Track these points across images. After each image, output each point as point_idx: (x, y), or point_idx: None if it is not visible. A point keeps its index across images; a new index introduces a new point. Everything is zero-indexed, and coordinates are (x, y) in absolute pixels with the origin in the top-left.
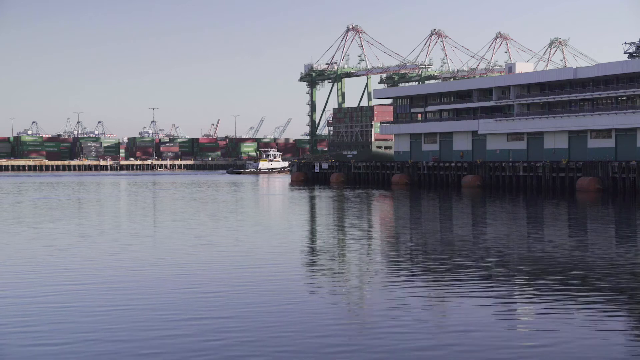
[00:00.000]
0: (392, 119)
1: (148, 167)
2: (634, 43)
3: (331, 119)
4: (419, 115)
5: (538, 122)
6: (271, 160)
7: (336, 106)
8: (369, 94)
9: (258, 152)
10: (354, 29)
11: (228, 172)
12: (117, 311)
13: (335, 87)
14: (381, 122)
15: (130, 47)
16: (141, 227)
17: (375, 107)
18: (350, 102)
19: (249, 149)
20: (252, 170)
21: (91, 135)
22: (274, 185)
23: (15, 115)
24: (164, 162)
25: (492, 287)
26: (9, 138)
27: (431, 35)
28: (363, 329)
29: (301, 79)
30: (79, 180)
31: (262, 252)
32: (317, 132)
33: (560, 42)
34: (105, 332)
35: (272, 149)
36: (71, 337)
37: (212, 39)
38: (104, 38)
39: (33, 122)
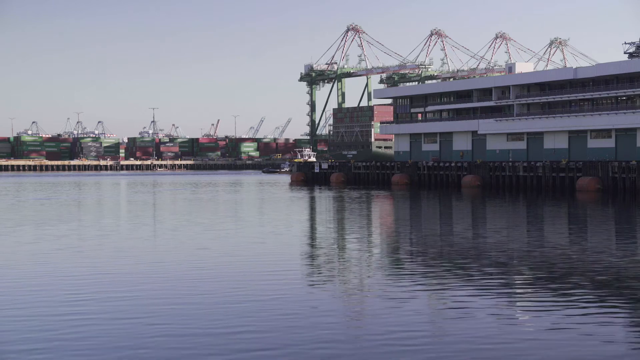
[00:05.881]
0: (392, 119)
1: (148, 167)
2: (634, 43)
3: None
4: (419, 115)
5: (538, 122)
6: (305, 160)
7: (336, 106)
8: (369, 94)
9: (292, 152)
10: (354, 29)
11: (264, 172)
12: (119, 319)
13: (335, 87)
14: (381, 122)
15: (130, 47)
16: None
17: (375, 107)
18: (350, 102)
19: (249, 149)
20: (286, 170)
21: (91, 135)
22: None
23: (15, 115)
24: (164, 162)
25: (493, 287)
26: (9, 138)
27: (431, 35)
28: (364, 329)
29: (301, 79)
30: (80, 181)
31: (263, 254)
32: (317, 132)
33: (560, 42)
34: (106, 337)
35: (307, 149)
36: (73, 344)
37: (212, 39)
38: (104, 38)
39: (33, 122)
